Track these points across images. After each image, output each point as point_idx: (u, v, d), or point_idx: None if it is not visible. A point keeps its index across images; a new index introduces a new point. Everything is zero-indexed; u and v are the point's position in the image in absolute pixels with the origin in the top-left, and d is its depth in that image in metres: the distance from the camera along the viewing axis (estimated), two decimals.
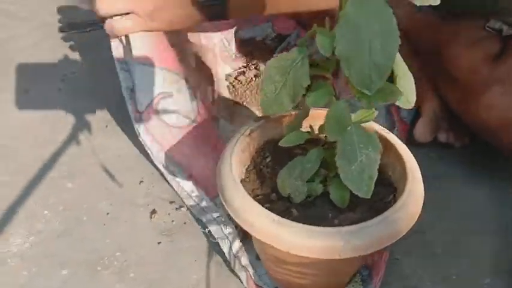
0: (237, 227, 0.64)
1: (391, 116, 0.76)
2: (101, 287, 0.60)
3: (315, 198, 0.52)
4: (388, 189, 0.53)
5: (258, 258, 0.62)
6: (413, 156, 0.54)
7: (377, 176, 0.45)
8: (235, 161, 0.54)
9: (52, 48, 1.01)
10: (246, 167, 0.58)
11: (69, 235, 0.66)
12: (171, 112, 0.70)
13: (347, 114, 0.45)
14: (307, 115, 0.54)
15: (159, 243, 0.66)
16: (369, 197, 0.45)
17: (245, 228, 0.48)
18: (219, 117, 0.80)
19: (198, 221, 0.68)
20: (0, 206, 0.69)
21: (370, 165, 0.45)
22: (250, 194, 0.52)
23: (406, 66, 0.43)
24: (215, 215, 0.66)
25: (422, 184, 0.51)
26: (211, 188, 0.69)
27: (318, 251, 0.45)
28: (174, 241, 0.66)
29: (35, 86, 0.92)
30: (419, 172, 0.52)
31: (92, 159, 0.78)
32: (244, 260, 0.62)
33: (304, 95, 0.46)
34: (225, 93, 0.88)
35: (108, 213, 0.70)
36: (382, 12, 0.36)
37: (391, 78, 0.43)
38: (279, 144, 0.53)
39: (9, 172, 0.75)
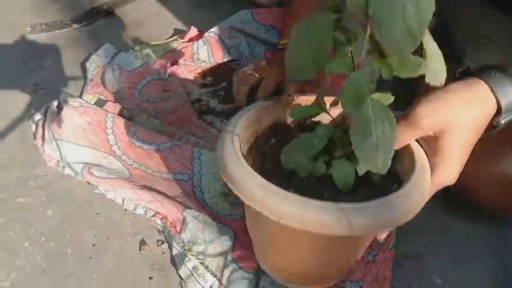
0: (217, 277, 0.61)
1: None
2: None
3: (317, 179, 0.50)
4: (393, 180, 0.51)
5: None
6: None
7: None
8: (239, 136, 0.52)
9: None
10: (249, 145, 0.56)
11: (52, 271, 0.62)
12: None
13: (366, 85, 0.42)
14: (324, 94, 0.52)
15: (150, 278, 0.62)
16: (384, 172, 0.43)
17: (244, 199, 0.47)
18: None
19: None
20: None
21: (386, 141, 0.42)
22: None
23: (437, 46, 0.41)
24: (190, 264, 0.62)
25: (429, 173, 0.49)
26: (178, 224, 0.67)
27: (309, 223, 0.43)
28: (168, 276, 0.63)
29: None
30: (428, 162, 0.51)
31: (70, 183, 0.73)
32: None
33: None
34: None
35: (94, 245, 0.66)
36: None
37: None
38: (288, 115, 0.54)
39: None
